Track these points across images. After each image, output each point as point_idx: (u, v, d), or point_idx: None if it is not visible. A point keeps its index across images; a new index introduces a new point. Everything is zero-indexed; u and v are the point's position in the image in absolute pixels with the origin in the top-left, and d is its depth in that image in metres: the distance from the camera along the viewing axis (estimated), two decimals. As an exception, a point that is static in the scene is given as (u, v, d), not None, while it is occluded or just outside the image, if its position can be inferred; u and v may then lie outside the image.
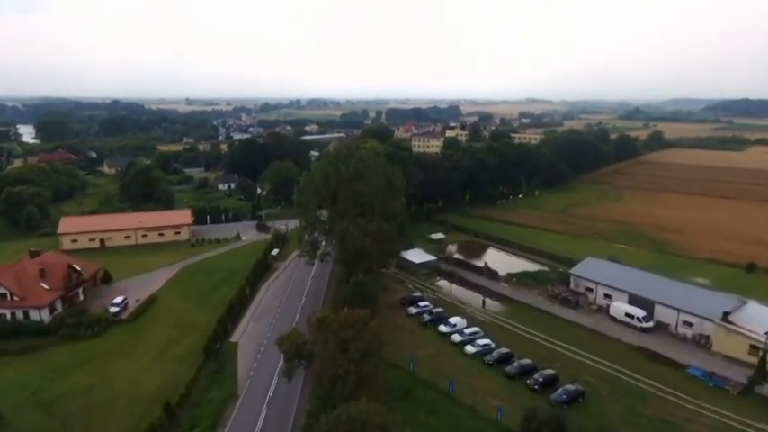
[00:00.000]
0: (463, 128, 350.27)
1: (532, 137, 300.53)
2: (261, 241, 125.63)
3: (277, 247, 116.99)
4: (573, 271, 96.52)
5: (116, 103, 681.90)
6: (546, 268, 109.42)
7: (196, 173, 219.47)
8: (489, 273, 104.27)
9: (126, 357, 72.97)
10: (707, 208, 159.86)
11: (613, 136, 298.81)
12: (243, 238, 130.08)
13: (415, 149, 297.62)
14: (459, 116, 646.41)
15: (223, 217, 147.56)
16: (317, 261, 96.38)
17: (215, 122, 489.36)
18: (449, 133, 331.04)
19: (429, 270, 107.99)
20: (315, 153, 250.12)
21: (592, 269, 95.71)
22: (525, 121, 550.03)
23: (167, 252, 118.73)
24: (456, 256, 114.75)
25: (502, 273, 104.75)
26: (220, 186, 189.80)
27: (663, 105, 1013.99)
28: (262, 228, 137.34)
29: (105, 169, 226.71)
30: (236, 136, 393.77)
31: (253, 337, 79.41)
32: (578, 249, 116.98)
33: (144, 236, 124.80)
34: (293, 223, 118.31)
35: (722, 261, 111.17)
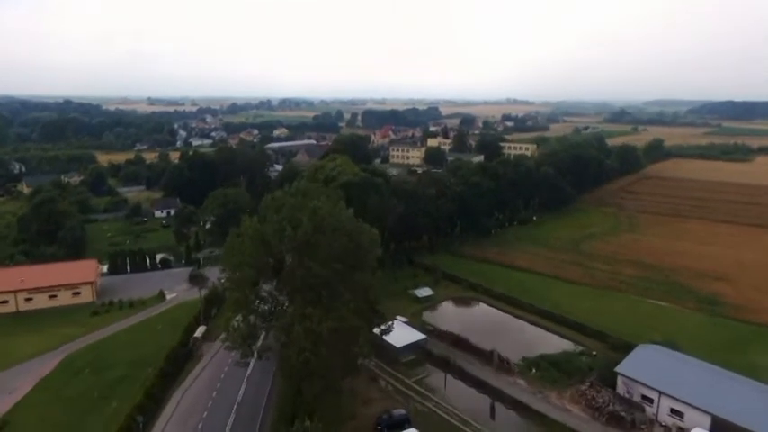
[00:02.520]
0: (446, 135, 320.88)
1: (524, 146, 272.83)
2: (190, 302, 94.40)
3: (205, 324, 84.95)
4: (621, 370, 67.46)
5: (68, 103, 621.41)
6: (571, 346, 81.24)
7: (135, 193, 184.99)
8: (499, 362, 75.04)
9: None
10: (744, 242, 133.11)
11: (609, 142, 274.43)
12: (168, 297, 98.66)
13: (393, 160, 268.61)
14: (438, 118, 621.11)
15: (149, 262, 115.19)
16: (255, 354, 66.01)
17: (176, 125, 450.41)
18: (430, 141, 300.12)
19: (415, 354, 78.57)
20: (278, 167, 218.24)
21: (648, 366, 66.87)
22: (509, 124, 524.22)
23: (55, 326, 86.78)
24: (450, 330, 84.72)
25: (514, 357, 76.13)
26: (158, 213, 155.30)
27: (645, 107, 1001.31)
28: (196, 279, 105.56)
29: (24, 189, 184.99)
30: (197, 142, 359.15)
31: None
32: (604, 308, 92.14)
33: (28, 300, 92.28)
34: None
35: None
